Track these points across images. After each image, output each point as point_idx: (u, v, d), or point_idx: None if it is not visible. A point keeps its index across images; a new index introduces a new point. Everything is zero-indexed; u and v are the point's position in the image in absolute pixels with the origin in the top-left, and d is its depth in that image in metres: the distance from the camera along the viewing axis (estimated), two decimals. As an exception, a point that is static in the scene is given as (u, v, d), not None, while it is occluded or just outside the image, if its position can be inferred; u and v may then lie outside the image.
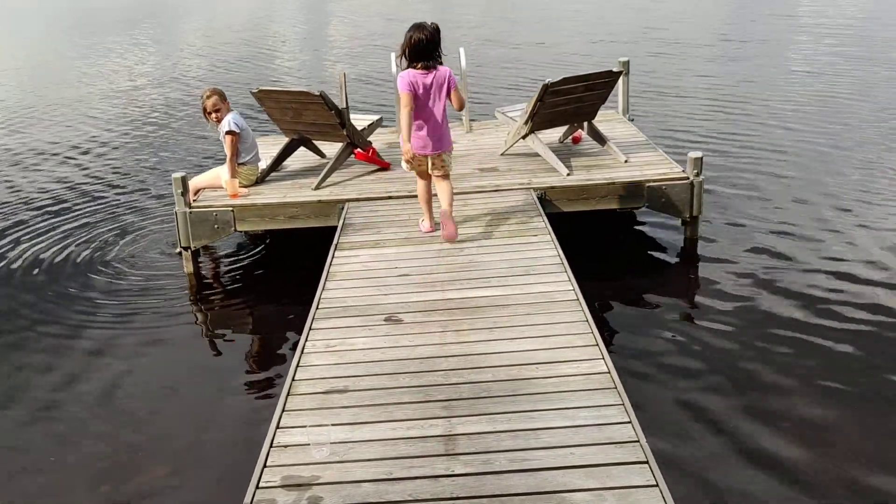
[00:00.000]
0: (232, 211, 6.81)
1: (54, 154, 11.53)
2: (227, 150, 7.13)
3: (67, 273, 7.25)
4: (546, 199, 6.79)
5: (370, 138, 7.85)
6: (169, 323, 6.30)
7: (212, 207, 6.83)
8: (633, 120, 8.83)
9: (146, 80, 17.47)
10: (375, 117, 7.99)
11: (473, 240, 5.78)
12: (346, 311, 4.77)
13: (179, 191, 6.75)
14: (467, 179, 7.13)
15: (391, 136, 8.75)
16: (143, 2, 36.56)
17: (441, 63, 5.65)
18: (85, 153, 11.48)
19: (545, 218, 6.17)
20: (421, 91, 5.58)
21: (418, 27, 5.55)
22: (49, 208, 9.05)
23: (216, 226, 6.84)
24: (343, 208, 6.72)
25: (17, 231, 8.37)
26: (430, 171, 5.88)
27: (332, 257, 5.62)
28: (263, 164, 7.53)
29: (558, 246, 5.56)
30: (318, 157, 7.96)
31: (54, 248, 7.81)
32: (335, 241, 5.92)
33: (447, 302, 4.81)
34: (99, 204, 9.09)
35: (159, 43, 23.29)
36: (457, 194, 6.75)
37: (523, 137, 7.45)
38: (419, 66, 5.56)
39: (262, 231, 7.39)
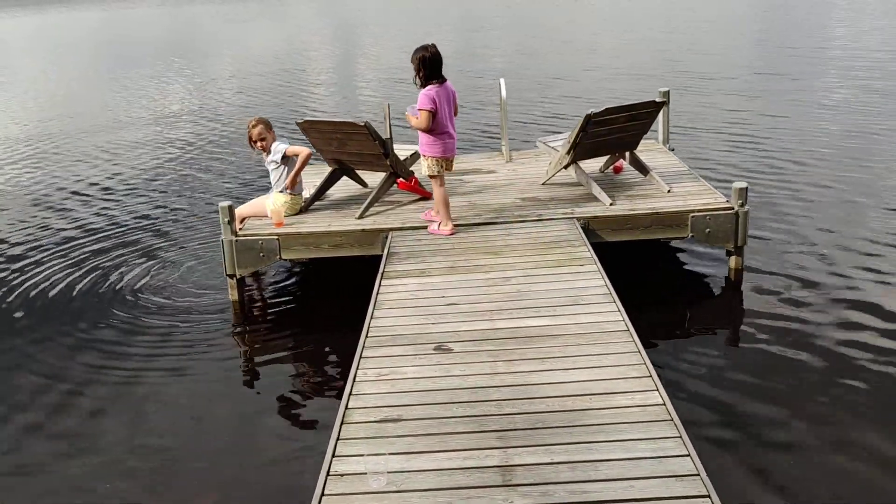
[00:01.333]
0: (277, 239, 6.87)
1: (101, 184, 11.72)
2: (297, 165, 7.13)
3: (114, 299, 7.33)
4: (590, 228, 6.77)
5: (411, 168, 7.89)
6: (214, 350, 6.34)
7: (257, 236, 6.89)
8: (673, 150, 8.80)
9: (188, 110, 17.75)
10: (417, 147, 8.03)
11: (520, 269, 5.77)
12: (395, 340, 4.77)
13: (226, 219, 6.83)
14: (509, 209, 7.13)
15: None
16: (182, 35, 37.27)
17: (444, 78, 6.45)
18: (130, 183, 11.65)
19: (590, 247, 6.14)
20: (441, 103, 6.39)
21: (424, 48, 6.35)
22: (96, 235, 9.18)
23: (261, 254, 6.89)
24: (387, 237, 6.75)
25: (63, 257, 8.49)
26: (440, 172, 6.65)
27: (379, 286, 5.63)
28: (307, 194, 7.60)
29: (605, 276, 5.53)
30: (361, 187, 8.03)
31: (101, 275, 7.92)
32: (381, 270, 5.93)
33: (497, 331, 4.79)
34: (145, 232, 9.22)
35: (200, 74, 23.67)
36: (499, 223, 6.79)
37: (565, 167, 7.45)
38: (435, 81, 6.35)
39: (307, 259, 7.44)
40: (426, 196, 7.59)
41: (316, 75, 21.74)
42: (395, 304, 5.32)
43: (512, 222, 6.83)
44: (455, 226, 6.79)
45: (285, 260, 7.12)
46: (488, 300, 5.27)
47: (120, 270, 8.02)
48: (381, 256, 6.37)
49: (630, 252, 7.01)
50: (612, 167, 8.00)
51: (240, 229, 7.06)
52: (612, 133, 7.22)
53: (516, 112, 13.57)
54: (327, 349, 6.15)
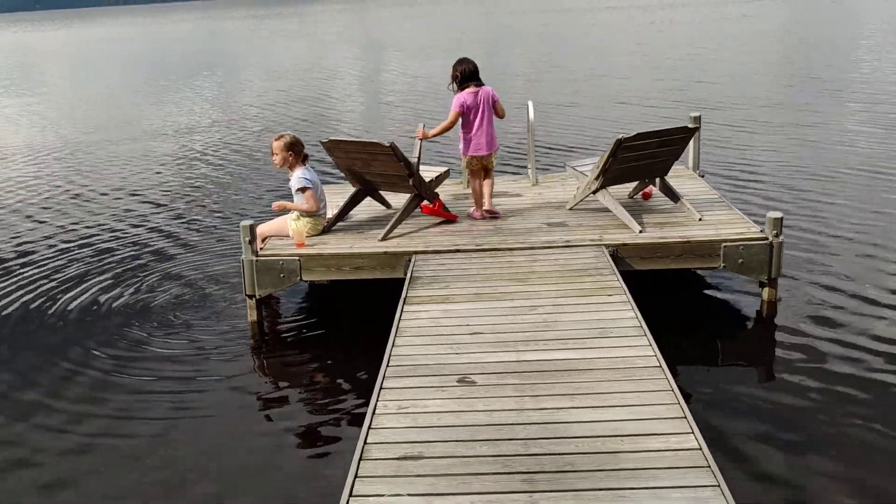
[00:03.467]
0: (298, 260, 6.69)
1: (125, 198, 11.65)
2: (306, 204, 7.03)
3: (129, 315, 7.18)
4: (618, 256, 6.54)
5: (437, 190, 7.70)
6: (229, 374, 6.14)
7: (278, 256, 6.72)
8: (703, 176, 8.56)
9: (218, 124, 17.73)
10: (443, 169, 7.86)
11: (547, 298, 5.54)
12: (417, 370, 4.56)
13: (247, 239, 6.66)
14: (535, 234, 6.92)
15: (457, 187, 8.62)
16: (218, 49, 37.48)
17: (482, 84, 7.21)
18: (152, 197, 11.59)
19: (619, 276, 5.91)
20: (472, 107, 7.12)
21: (464, 60, 7.23)
22: (116, 251, 9.08)
23: (282, 274, 6.72)
24: (410, 261, 6.55)
25: (80, 271, 8.37)
26: (485, 167, 7.37)
27: (402, 312, 5.43)
28: (330, 214, 7.44)
29: (635, 306, 5.30)
30: (385, 208, 7.85)
31: (118, 290, 7.78)
32: (403, 295, 5.73)
33: (522, 364, 4.57)
34: (165, 248, 9.10)
35: (233, 88, 23.70)
36: (525, 249, 6.58)
37: (594, 192, 7.24)
38: (470, 86, 7.11)
39: (328, 281, 7.26)
40: (451, 219, 7.40)
41: (349, 91, 21.57)
42: (417, 331, 5.11)
43: (539, 248, 6.61)
44: (481, 250, 6.60)
45: (306, 281, 6.94)
46: (514, 330, 5.05)
47: (137, 286, 7.89)
48: (403, 280, 6.18)
49: (658, 281, 6.77)
50: (641, 193, 7.77)
51: (261, 249, 6.90)
52: (643, 159, 7.01)
53: (543, 135, 13.38)
54: (347, 377, 5.94)
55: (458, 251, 6.65)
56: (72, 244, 9.44)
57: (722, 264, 6.57)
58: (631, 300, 5.42)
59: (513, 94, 17.74)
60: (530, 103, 8.64)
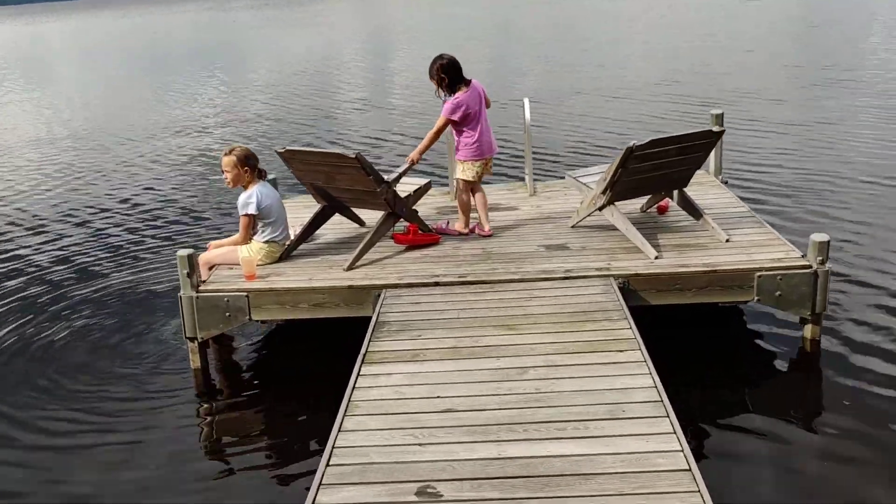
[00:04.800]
0: (246, 296, 5.52)
1: (84, 207, 10.47)
2: (240, 230, 5.90)
3: (51, 360, 6.02)
4: (629, 288, 5.35)
5: (416, 207, 6.51)
6: (165, 430, 5.05)
7: (222, 292, 5.55)
8: (727, 182, 7.34)
9: (204, 124, 16.47)
10: (423, 181, 6.67)
11: (541, 355, 4.35)
12: (365, 474, 3.38)
13: (185, 271, 5.50)
14: (530, 260, 5.72)
15: (443, 198, 7.43)
16: (220, 41, 36.19)
17: (468, 79, 6.09)
18: (106, 207, 10.38)
19: (631, 320, 4.71)
20: (472, 107, 6.03)
21: (439, 57, 6.05)
22: (41, 272, 7.89)
23: (227, 313, 5.56)
24: (379, 295, 5.38)
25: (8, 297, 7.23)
26: (481, 175, 6.29)
27: (357, 377, 4.24)
28: (294, 233, 6.27)
29: (653, 370, 4.10)
30: (357, 226, 6.68)
31: (45, 325, 6.62)
32: (363, 350, 4.55)
33: (506, 465, 3.38)
34: (101, 272, 7.83)
35: (230, 84, 22.38)
36: (518, 281, 5.40)
37: (599, 209, 6.03)
38: (461, 87, 6.02)
39: (281, 320, 6.09)
40: (433, 241, 6.21)
41: (351, 92, 19.55)
42: (372, 408, 3.92)
43: (533, 280, 5.42)
44: (465, 282, 5.43)
45: (256, 321, 5.77)
46: (497, 405, 3.85)
47: (61, 322, 6.70)
48: (369, 320, 5.01)
49: (674, 312, 5.56)
50: (656, 206, 6.57)
51: (205, 281, 5.74)
52: (658, 169, 5.79)
53: (542, 138, 11.88)
54: (297, 442, 4.77)
55: (436, 284, 5.46)
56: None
57: (756, 298, 5.37)
58: (648, 360, 4.22)
59: (506, 91, 16.20)
60: (526, 101, 7.42)
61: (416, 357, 4.43)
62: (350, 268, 5.76)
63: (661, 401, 3.78)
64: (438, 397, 3.97)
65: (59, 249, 8.68)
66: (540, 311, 4.94)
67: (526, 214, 6.85)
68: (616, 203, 5.98)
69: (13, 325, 6.69)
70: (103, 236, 9.05)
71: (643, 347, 4.35)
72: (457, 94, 6.00)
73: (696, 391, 4.96)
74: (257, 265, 5.85)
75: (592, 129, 13.16)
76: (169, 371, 5.79)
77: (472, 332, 4.68)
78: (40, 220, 9.92)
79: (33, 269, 8.11)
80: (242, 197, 5.89)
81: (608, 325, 4.66)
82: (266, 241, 5.94)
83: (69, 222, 9.71)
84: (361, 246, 5.87)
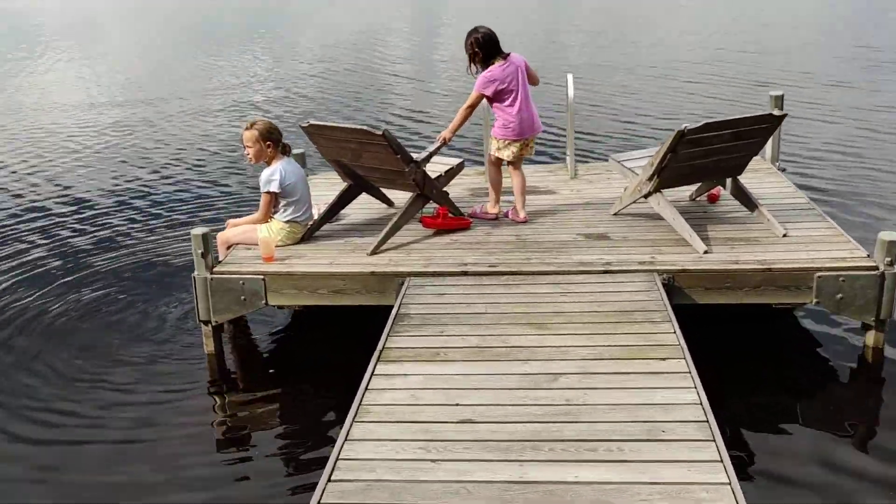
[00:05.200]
0: (263, 280, 5.18)
1: (111, 186, 10.23)
2: (260, 208, 5.57)
3: (57, 338, 5.74)
4: (674, 285, 4.89)
5: (447, 188, 6.10)
6: (170, 418, 4.77)
7: (238, 274, 5.22)
8: (784, 170, 6.79)
9: (238, 101, 16.19)
10: (455, 161, 6.24)
11: (574, 360, 3.92)
12: (367, 494, 3.01)
13: (199, 251, 5.17)
14: (567, 250, 5.28)
15: (478, 178, 7.00)
16: (267, 13, 35.83)
17: (507, 52, 5.65)
18: (124, 187, 10.12)
19: (676, 324, 4.26)
20: (508, 82, 5.58)
21: (474, 29, 5.64)
22: (57, 249, 7.59)
23: (243, 297, 5.22)
24: (403, 283, 5.00)
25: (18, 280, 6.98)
26: (519, 156, 5.83)
27: (371, 375, 3.87)
28: (318, 213, 5.91)
29: (698, 382, 3.66)
30: (386, 206, 6.30)
31: (54, 298, 6.34)
32: (380, 345, 4.17)
33: (527, 489, 2.98)
34: (115, 250, 7.42)
35: (274, 56, 22.08)
36: (552, 273, 4.96)
37: (645, 197, 5.56)
38: (496, 61, 5.58)
39: (299, 307, 5.74)
40: (463, 226, 5.80)
41: (392, 65, 18.55)
42: (384, 413, 3.55)
43: (570, 272, 4.98)
44: (495, 273, 5.01)
45: (273, 306, 5.43)
46: (520, 418, 3.45)
47: (72, 295, 6.41)
48: (391, 309, 4.63)
49: (719, 310, 5.08)
50: (707, 194, 6.07)
51: (221, 261, 5.41)
52: (711, 155, 5.29)
53: (586, 116, 11.29)
54: (302, 450, 4.40)
55: (464, 274, 5.06)
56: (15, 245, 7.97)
57: (814, 300, 4.87)
58: (692, 368, 3.77)
59: (548, 65, 15.23)
60: (570, 77, 6.93)
61: (437, 356, 4.04)
62: (374, 252, 5.39)
63: (707, 421, 3.34)
64: (457, 405, 3.57)
65: (81, 218, 8.39)
66: (575, 308, 4.51)
67: (565, 199, 6.40)
68: (663, 191, 5.50)
69: (22, 297, 6.41)
70: (126, 207, 8.73)
71: (688, 355, 3.91)
72: (491, 68, 5.55)
73: (743, 405, 4.50)
74: (277, 246, 5.51)
75: (640, 108, 12.44)
76: (181, 354, 5.49)
77: (499, 330, 4.28)
78: (65, 187, 9.66)
79: (50, 237, 7.82)
80: (265, 173, 5.54)
81: (649, 328, 4.22)
82: (287, 221, 5.59)
83: (94, 190, 9.43)
84: (387, 229, 5.48)
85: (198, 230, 5.18)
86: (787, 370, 4.99)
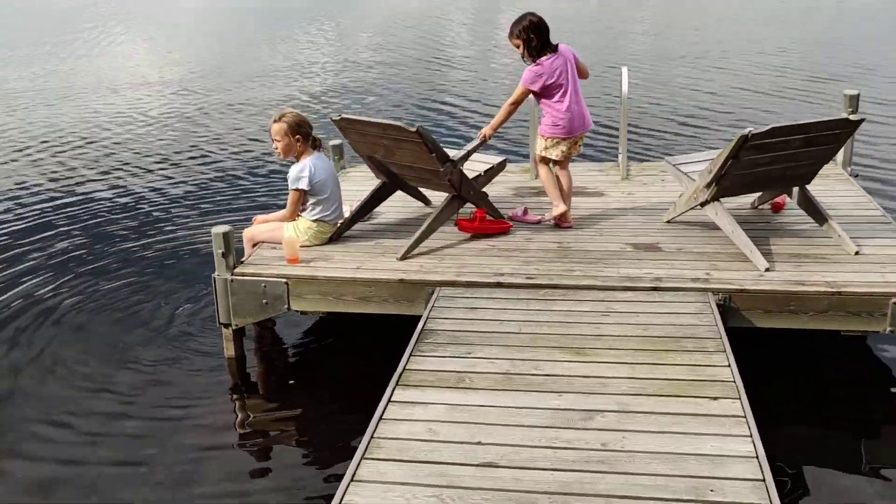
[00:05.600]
0: (286, 283, 4.85)
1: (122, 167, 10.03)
2: (288, 206, 5.24)
3: (69, 333, 5.51)
4: (730, 306, 4.42)
5: (488, 188, 5.69)
6: (194, 424, 4.52)
7: (259, 276, 4.90)
8: (857, 176, 6.22)
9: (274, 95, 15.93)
10: (497, 160, 5.82)
11: (614, 396, 3.50)
12: (369, 552, 2.65)
13: (220, 250, 4.86)
14: (614, 261, 4.84)
15: (521, 177, 6.58)
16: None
17: (555, 43, 5.21)
18: (138, 170, 9.90)
19: (731, 356, 3.79)
20: (557, 76, 5.15)
21: (525, 16, 5.19)
22: (71, 235, 7.36)
23: (265, 300, 4.90)
24: (433, 294, 4.62)
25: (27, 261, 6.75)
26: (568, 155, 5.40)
27: (387, 403, 3.51)
28: (350, 211, 5.57)
29: (755, 430, 3.20)
30: (422, 205, 5.93)
31: (70, 288, 6.11)
32: (401, 367, 3.80)
33: (549, 557, 2.59)
34: (153, 237, 7.19)
35: (325, 43, 21.79)
36: (597, 288, 4.53)
37: (701, 205, 5.07)
38: (547, 52, 5.14)
39: (324, 313, 5.40)
40: (503, 230, 5.39)
41: (445, 53, 18.27)
42: (396, 450, 3.17)
43: (615, 288, 4.54)
44: (533, 285, 4.60)
45: (296, 312, 5.11)
46: (551, 465, 3.04)
47: (90, 284, 6.17)
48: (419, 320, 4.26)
49: (776, 338, 4.58)
50: (770, 203, 5.55)
51: (244, 260, 5.10)
52: (778, 163, 4.78)
53: (641, 112, 10.59)
54: (309, 483, 4.05)
55: (499, 285, 4.65)
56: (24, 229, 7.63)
57: (888, 328, 4.35)
58: (748, 412, 3.31)
59: (601, 57, 14.48)
60: (624, 70, 6.43)
61: (461, 382, 3.65)
62: (404, 257, 5.02)
63: (763, 479, 2.89)
64: (479, 444, 3.18)
65: (112, 200, 8.23)
66: (618, 331, 4.07)
67: (615, 202, 5.94)
68: (722, 199, 5.01)
69: (38, 284, 6.22)
70: (161, 191, 8.52)
71: (743, 395, 3.45)
72: (539, 61, 5.12)
73: (805, 453, 4.01)
74: (304, 246, 5.17)
75: (700, 105, 11.65)
76: (201, 356, 5.20)
77: (532, 354, 3.87)
78: (103, 165, 9.53)
79: (75, 223, 7.63)
80: (293, 170, 5.19)
81: (701, 359, 3.76)
82: (315, 220, 5.24)
83: (132, 172, 9.27)
84: (419, 233, 5.10)
85: (219, 228, 4.87)
86: (857, 409, 4.47)
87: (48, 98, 13.85)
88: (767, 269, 4.60)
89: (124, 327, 5.60)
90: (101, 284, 6.25)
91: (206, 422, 4.57)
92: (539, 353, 3.88)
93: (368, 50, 18.22)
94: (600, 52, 15.80)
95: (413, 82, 14.29)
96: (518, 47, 5.20)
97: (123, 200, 8.32)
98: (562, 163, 5.41)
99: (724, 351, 3.81)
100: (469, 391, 3.58)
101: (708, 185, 4.93)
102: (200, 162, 9.72)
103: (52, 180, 9.11)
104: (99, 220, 7.75)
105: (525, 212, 5.63)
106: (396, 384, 3.65)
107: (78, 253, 6.91)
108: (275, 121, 5.19)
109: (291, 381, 4.98)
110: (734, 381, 3.54)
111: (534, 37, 5.10)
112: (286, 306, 4.90)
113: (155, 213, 7.91)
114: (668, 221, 5.43)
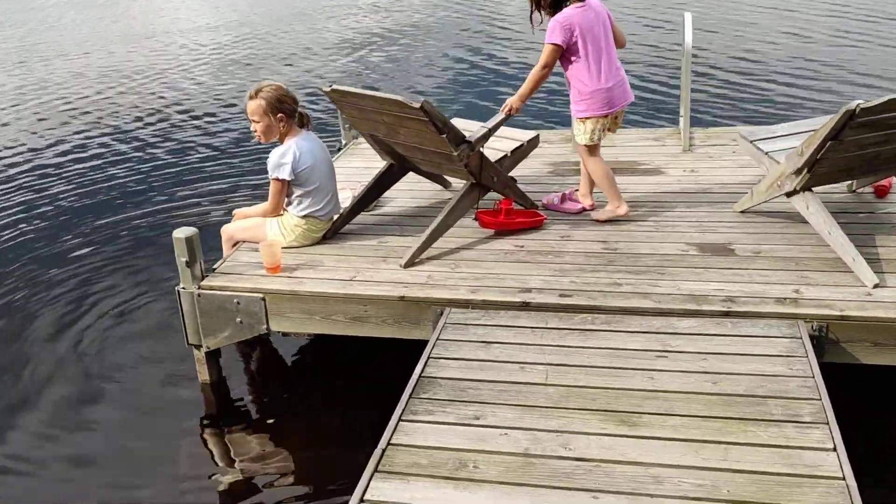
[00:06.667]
0: (262, 300, 3.91)
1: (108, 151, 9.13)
2: (269, 198, 4.25)
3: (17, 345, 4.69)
4: (827, 337, 3.33)
5: (515, 171, 4.62)
6: (165, 458, 3.70)
7: (231, 290, 3.96)
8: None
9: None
10: (529, 135, 4.72)
11: (671, 501, 2.48)
12: None
13: (184, 259, 3.93)
14: (673, 271, 3.75)
15: (560, 148, 5.48)
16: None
17: None
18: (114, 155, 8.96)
19: (836, 429, 2.72)
20: (587, 33, 4.00)
21: None
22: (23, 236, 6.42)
23: (239, 319, 3.98)
24: (442, 315, 3.62)
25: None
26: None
27: (360, 502, 2.55)
28: (348, 200, 4.58)
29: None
30: (440, 187, 4.92)
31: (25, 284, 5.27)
32: (384, 440, 2.82)
33: None
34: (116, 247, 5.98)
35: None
36: (651, 313, 3.49)
37: (787, 195, 3.93)
38: (569, 3, 4.01)
39: (310, 335, 4.44)
40: (535, 224, 4.34)
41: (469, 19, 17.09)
42: None
43: (673, 314, 3.47)
44: (567, 308, 3.56)
45: (277, 333, 4.16)
46: None
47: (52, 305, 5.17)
48: (425, 346, 3.29)
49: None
50: (873, 185, 4.37)
51: (215, 269, 4.16)
52: (892, 142, 3.61)
53: (708, 66, 8.76)
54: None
55: (524, 306, 3.62)
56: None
57: None
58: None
59: (656, 4, 12.54)
60: (688, 16, 5.22)
61: (462, 470, 2.66)
62: (409, 264, 4.01)
63: None
64: (477, 587, 2.21)
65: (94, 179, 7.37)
66: (678, 384, 3.02)
67: (674, 183, 4.81)
68: (814, 189, 3.86)
69: None
70: (135, 167, 7.57)
71: (856, 495, 2.40)
72: (564, 10, 4.01)
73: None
74: (291, 247, 4.23)
75: (786, 62, 9.31)
76: (174, 378, 4.32)
77: (562, 421, 2.85)
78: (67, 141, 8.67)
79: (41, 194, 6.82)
80: (274, 154, 4.19)
81: (794, 436, 2.70)
82: (304, 216, 4.26)
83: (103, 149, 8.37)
84: (426, 235, 4.07)
85: (181, 232, 3.92)
86: None
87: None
88: (877, 285, 3.48)
89: (83, 334, 4.74)
90: (53, 277, 5.40)
91: (171, 460, 3.71)
92: (572, 419, 2.86)
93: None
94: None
95: (430, 40, 12.43)
96: (531, 5, 4.08)
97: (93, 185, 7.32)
98: (595, 147, 4.29)
99: (828, 423, 2.74)
100: (471, 486, 2.59)
101: (798, 171, 3.78)
102: (188, 135, 8.54)
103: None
104: (60, 203, 6.86)
105: (563, 199, 4.55)
106: (375, 469, 2.68)
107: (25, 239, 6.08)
108: (250, 97, 4.16)
109: (270, 422, 4.02)
110: (843, 480, 2.48)
111: None
112: (265, 326, 3.97)
113: (123, 195, 6.92)
114: (741, 212, 4.30)
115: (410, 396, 3.05)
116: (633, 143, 5.42)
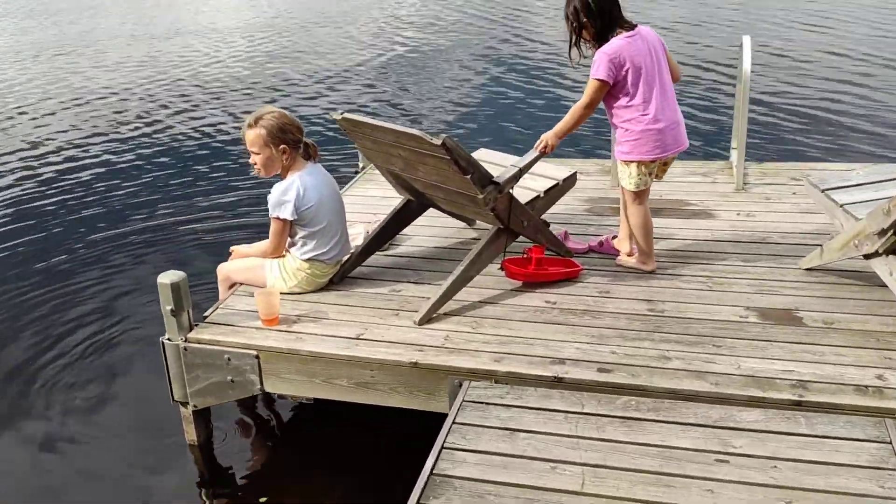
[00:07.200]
0: (256, 357, 3.41)
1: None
2: (270, 237, 3.75)
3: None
4: (919, 438, 2.76)
5: (548, 214, 4.09)
6: None
7: (221, 345, 3.46)
8: None
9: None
10: (565, 173, 4.18)
11: None
12: None
13: (169, 307, 3.45)
14: (730, 344, 3.20)
15: (599, 182, 4.94)
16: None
17: (634, 23, 3.55)
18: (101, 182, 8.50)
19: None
20: (638, 66, 3.47)
21: None
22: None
23: (230, 377, 3.48)
24: (460, 387, 3.10)
25: None
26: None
27: None
28: (360, 239, 4.08)
29: None
30: (464, 224, 4.40)
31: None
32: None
33: None
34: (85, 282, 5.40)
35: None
36: (706, 399, 2.93)
37: (866, 257, 3.36)
38: (619, 33, 3.48)
39: (309, 399, 3.93)
40: (570, 274, 3.80)
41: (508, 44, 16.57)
42: None
43: (732, 402, 2.91)
44: (606, 386, 3.02)
45: (271, 395, 3.66)
46: None
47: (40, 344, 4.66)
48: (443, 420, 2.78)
49: None
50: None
51: (207, 315, 3.67)
52: None
53: (761, 97, 7.71)
54: None
55: (557, 381, 3.09)
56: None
57: None
58: None
59: (715, 26, 11.26)
60: (746, 40, 4.65)
61: None
62: (424, 321, 3.49)
63: None
64: None
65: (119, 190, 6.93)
66: (743, 502, 2.47)
67: (727, 229, 4.24)
68: (900, 251, 3.29)
69: None
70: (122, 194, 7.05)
71: None
72: (611, 41, 3.47)
73: None
74: (293, 293, 3.73)
75: (854, 95, 8.23)
76: (161, 438, 3.84)
77: (599, 551, 2.32)
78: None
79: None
80: (276, 190, 3.68)
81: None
82: (308, 259, 3.75)
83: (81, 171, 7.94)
84: (445, 287, 3.54)
85: (166, 277, 3.43)
86: None
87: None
88: (978, 375, 2.90)
89: (55, 384, 4.26)
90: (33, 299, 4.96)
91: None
92: (611, 548, 2.32)
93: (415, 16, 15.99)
94: (709, 18, 12.25)
95: (458, 60, 11.58)
96: (574, 32, 3.53)
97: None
98: (643, 193, 3.73)
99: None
100: None
101: (882, 233, 3.21)
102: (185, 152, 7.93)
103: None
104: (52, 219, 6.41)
105: (603, 243, 4.01)
106: None
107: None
108: (249, 126, 3.66)
109: (263, 500, 3.54)
110: None
111: (588, 20, 3.45)
112: (258, 387, 3.47)
113: (120, 209, 6.46)
114: (806, 269, 3.74)
115: (419, 502, 2.53)
116: (678, 179, 4.86)
